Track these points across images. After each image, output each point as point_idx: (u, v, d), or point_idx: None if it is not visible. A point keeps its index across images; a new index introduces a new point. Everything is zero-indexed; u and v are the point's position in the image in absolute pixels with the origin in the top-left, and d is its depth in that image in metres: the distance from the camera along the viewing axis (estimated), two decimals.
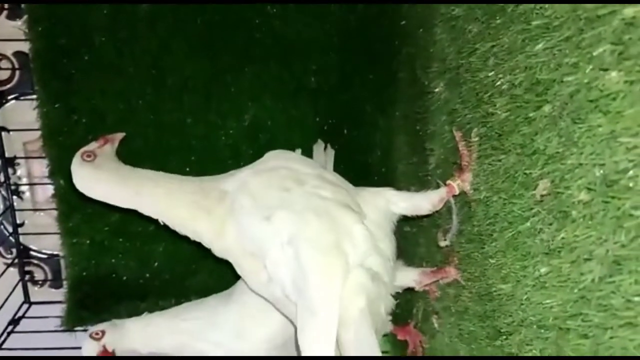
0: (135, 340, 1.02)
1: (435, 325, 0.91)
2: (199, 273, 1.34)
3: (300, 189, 0.78)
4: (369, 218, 0.81)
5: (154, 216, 0.85)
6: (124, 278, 1.34)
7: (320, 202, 0.77)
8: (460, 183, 0.77)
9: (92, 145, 0.89)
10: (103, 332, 0.99)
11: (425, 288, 0.92)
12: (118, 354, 1.01)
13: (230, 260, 0.84)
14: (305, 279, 0.70)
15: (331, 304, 0.68)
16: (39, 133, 1.26)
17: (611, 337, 0.43)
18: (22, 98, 1.35)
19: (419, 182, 1.03)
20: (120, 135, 0.93)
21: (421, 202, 0.84)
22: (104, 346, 0.99)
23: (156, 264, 1.34)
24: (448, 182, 0.79)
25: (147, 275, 1.34)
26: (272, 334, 0.98)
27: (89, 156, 0.86)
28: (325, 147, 1.23)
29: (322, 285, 0.70)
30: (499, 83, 0.64)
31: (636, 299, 0.40)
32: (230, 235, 0.81)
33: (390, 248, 0.84)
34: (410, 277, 0.93)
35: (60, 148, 1.25)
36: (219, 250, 0.85)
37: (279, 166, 0.84)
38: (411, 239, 1.06)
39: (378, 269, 0.78)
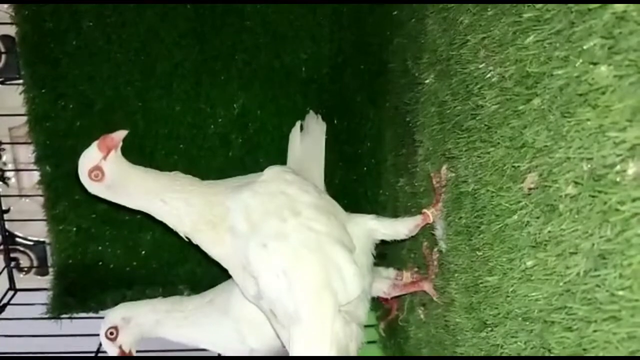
0: (149, 332, 1.00)
1: (422, 316, 0.92)
2: (187, 262, 1.34)
3: (295, 219, 0.81)
4: (355, 252, 0.85)
5: (167, 222, 0.85)
6: (111, 266, 1.33)
7: (314, 237, 0.80)
8: (434, 212, 0.86)
9: (95, 158, 0.82)
10: (117, 330, 0.97)
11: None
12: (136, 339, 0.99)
13: (225, 266, 0.86)
14: (299, 313, 0.76)
15: (324, 340, 0.76)
16: (25, 118, 1.24)
17: (595, 331, 0.43)
18: (8, 82, 1.32)
19: (408, 174, 1.03)
20: (122, 135, 0.85)
21: (400, 228, 0.90)
22: (120, 347, 0.97)
23: (143, 252, 1.33)
24: (423, 210, 0.87)
25: (134, 263, 1.33)
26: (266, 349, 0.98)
27: (96, 176, 0.82)
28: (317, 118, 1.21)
29: (316, 322, 0.77)
30: (489, 75, 0.64)
31: (620, 292, 0.41)
32: (228, 247, 0.84)
33: (370, 280, 0.89)
34: (380, 288, 0.99)
35: (47, 134, 1.23)
36: (215, 256, 0.86)
37: (278, 191, 0.85)
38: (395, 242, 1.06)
39: (356, 305, 0.83)
